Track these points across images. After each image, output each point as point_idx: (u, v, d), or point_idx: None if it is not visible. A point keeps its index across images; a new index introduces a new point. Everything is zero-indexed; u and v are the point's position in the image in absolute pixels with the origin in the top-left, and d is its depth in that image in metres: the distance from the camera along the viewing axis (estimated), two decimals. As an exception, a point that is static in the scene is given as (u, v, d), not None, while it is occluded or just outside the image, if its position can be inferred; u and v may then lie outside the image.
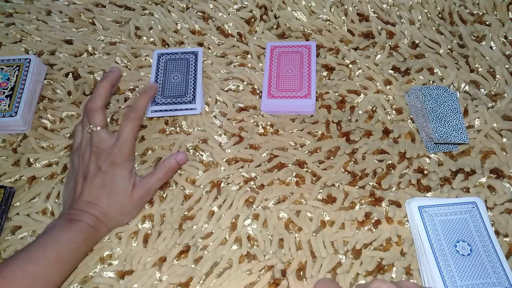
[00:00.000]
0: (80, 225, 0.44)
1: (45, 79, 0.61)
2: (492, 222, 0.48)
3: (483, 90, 0.57)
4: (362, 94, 0.58)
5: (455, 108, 0.53)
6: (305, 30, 0.64)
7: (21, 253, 0.42)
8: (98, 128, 0.48)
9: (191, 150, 0.55)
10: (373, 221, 0.49)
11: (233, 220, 0.50)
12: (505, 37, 0.61)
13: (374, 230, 0.49)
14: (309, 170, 0.53)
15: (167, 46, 0.64)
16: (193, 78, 0.58)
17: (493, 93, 0.57)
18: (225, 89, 0.59)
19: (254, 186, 0.52)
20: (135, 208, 0.49)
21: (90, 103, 0.48)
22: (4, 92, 0.57)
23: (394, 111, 0.56)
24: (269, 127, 0.56)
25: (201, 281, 0.46)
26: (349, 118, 0.56)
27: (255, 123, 0.57)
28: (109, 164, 0.46)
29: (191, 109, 0.57)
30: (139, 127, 0.49)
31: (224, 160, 0.54)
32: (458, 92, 0.57)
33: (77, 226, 0.44)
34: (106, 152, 0.47)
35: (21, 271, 0.40)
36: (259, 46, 0.62)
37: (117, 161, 0.46)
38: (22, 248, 0.43)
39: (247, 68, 0.61)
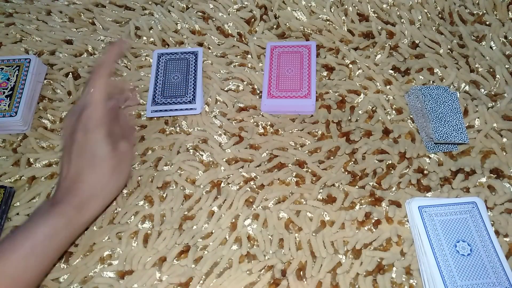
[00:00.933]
0: (62, 208, 0.41)
1: (45, 79, 0.61)
2: (492, 222, 0.48)
3: (483, 90, 0.57)
4: (362, 94, 0.58)
5: (455, 108, 0.53)
6: (305, 30, 0.64)
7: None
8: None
9: (191, 150, 0.55)
10: (373, 221, 0.49)
11: (233, 220, 0.50)
12: (505, 37, 0.61)
13: (374, 230, 0.49)
14: (309, 170, 0.53)
15: (167, 46, 0.64)
16: (193, 78, 0.58)
17: (493, 93, 0.57)
18: (225, 89, 0.59)
19: (254, 186, 0.52)
20: (126, 161, 0.47)
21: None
22: (4, 92, 0.57)
23: (394, 111, 0.56)
24: (269, 127, 0.56)
25: (201, 281, 0.46)
26: (349, 118, 0.56)
27: (255, 123, 0.57)
28: (82, 133, 0.43)
29: (191, 109, 0.57)
30: (108, 86, 0.45)
31: (224, 160, 0.54)
32: (458, 92, 0.57)
33: (59, 209, 0.41)
34: (79, 121, 0.44)
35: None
36: (259, 46, 0.62)
37: (88, 128, 0.43)
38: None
39: (247, 68, 0.61)
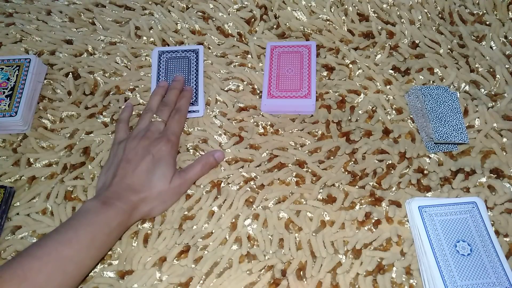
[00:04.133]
0: (114, 209, 0.45)
1: (45, 79, 0.61)
2: (492, 222, 0.48)
3: (483, 90, 0.57)
4: (362, 94, 0.58)
5: (455, 108, 0.53)
6: (305, 30, 0.64)
7: (54, 234, 0.42)
8: (162, 120, 0.53)
9: (191, 150, 0.55)
10: (373, 221, 0.49)
11: (233, 220, 0.50)
12: (505, 37, 0.61)
13: (374, 230, 0.48)
14: (309, 170, 0.53)
15: (167, 46, 0.64)
16: (194, 79, 0.58)
17: (493, 93, 0.57)
18: (225, 89, 0.59)
19: (254, 186, 0.52)
20: (170, 197, 0.50)
21: (167, 98, 0.55)
22: (4, 92, 0.57)
23: (394, 111, 0.56)
24: (269, 127, 0.56)
25: (201, 281, 0.46)
26: (349, 118, 0.56)
27: (255, 123, 0.57)
28: (158, 150, 0.49)
29: (194, 111, 0.57)
30: (184, 123, 0.55)
31: (224, 160, 0.54)
32: (458, 92, 0.57)
33: (111, 210, 0.44)
34: (157, 137, 0.50)
35: (55, 253, 0.41)
36: (259, 46, 0.62)
37: (162, 154, 0.49)
38: (55, 229, 0.43)
39: (247, 68, 0.61)
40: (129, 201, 0.46)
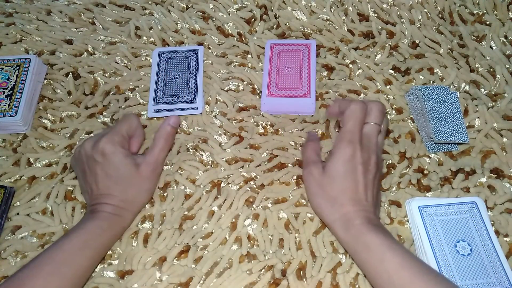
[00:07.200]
0: (102, 213, 0.46)
1: (45, 79, 0.61)
2: (492, 222, 0.48)
3: (483, 90, 0.57)
4: (362, 94, 0.58)
5: (455, 108, 0.53)
6: (305, 30, 0.64)
7: (48, 246, 0.44)
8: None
9: (191, 150, 0.55)
10: (373, 221, 0.49)
11: (233, 220, 0.50)
12: (505, 37, 0.61)
13: (374, 230, 0.48)
14: (309, 170, 0.53)
15: (167, 46, 0.64)
16: (194, 77, 0.58)
17: (493, 93, 0.57)
18: (225, 89, 0.59)
19: (254, 186, 0.52)
20: (150, 184, 0.50)
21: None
22: (4, 92, 0.57)
23: (394, 111, 0.56)
24: (269, 127, 0.56)
25: (201, 281, 0.46)
26: (349, 118, 0.56)
27: (255, 123, 0.57)
28: (100, 153, 0.47)
29: (192, 108, 0.57)
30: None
31: (224, 160, 0.54)
32: (458, 92, 0.57)
33: (99, 215, 0.45)
34: (96, 141, 0.48)
35: (48, 258, 0.42)
36: (259, 46, 0.62)
37: (106, 152, 0.47)
38: None
39: (247, 68, 0.61)
40: (112, 205, 0.46)
